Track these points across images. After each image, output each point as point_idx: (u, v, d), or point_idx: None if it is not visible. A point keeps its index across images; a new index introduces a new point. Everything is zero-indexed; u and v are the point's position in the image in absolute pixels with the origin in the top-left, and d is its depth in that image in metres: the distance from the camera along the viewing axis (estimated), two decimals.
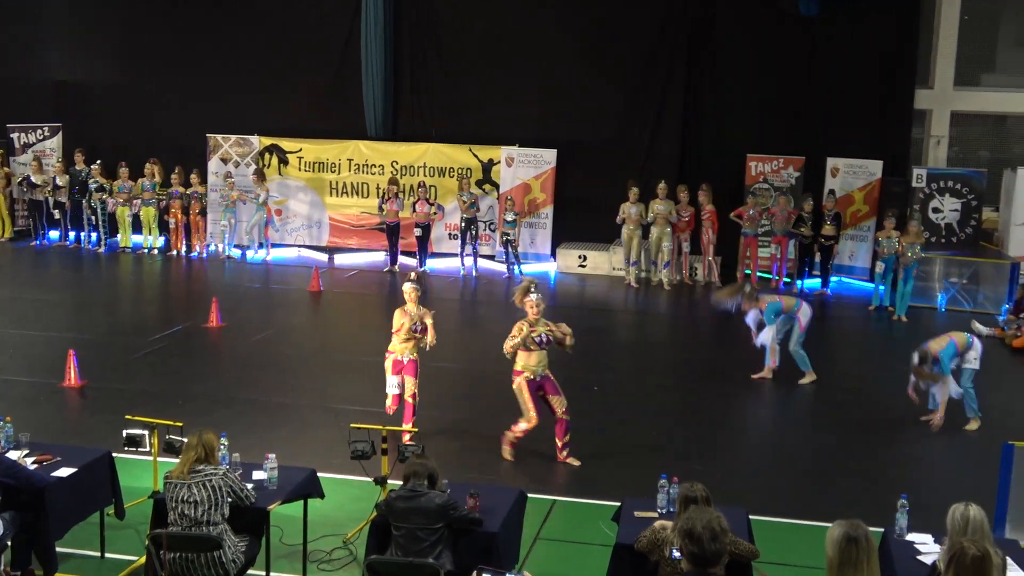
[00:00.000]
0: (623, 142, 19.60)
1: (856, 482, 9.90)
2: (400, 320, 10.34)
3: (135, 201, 19.96)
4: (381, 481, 8.18)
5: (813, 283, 18.09)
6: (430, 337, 10.34)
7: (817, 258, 18.05)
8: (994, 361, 14.34)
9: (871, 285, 17.46)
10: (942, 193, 18.14)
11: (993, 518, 7.33)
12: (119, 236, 20.35)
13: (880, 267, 16.90)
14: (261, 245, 19.84)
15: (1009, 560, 6.05)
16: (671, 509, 7.02)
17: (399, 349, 10.39)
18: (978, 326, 15.44)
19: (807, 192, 18.17)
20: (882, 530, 6.98)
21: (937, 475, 10.07)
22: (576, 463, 10.01)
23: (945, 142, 19.60)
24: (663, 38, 19.33)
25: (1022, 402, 12.75)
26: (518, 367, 9.91)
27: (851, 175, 18.51)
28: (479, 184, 19.29)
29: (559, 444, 10.04)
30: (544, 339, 9.83)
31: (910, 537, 6.92)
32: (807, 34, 18.58)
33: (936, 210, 18.16)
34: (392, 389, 10.46)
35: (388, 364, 10.47)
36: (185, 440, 7.17)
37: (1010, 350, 14.71)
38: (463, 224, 18.91)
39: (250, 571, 7.11)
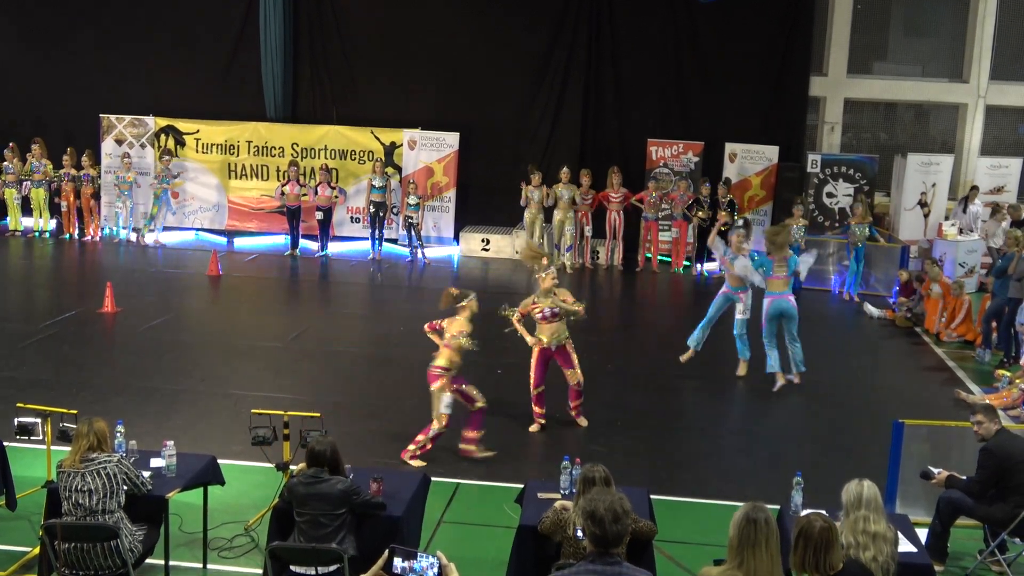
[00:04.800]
0: (525, 126, 19.65)
1: (752, 461, 10.12)
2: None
3: (24, 183, 19.33)
4: (283, 467, 8.10)
5: (713, 266, 18.35)
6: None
7: None
8: (884, 342, 14.78)
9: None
10: (836, 178, 18.59)
11: (884, 494, 7.54)
12: (8, 219, 19.70)
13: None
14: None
15: (900, 534, 6.25)
16: (574, 490, 7.08)
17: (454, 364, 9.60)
18: (870, 308, 15.86)
19: (705, 177, 18.44)
20: (778, 507, 7.15)
21: (831, 453, 10.33)
22: (583, 423, 10.67)
23: (838, 128, 20.08)
24: (564, 22, 19.39)
25: (911, 381, 13.14)
26: (540, 336, 10.38)
27: (748, 160, 18.86)
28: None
29: (571, 405, 10.68)
30: (549, 312, 10.22)
31: (805, 513, 7.08)
32: (705, 21, 18.84)
33: (830, 195, 18.62)
34: (448, 409, 9.57)
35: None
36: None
37: (902, 331, 15.13)
38: (372, 208, 18.76)
39: (149, 560, 7.00)
